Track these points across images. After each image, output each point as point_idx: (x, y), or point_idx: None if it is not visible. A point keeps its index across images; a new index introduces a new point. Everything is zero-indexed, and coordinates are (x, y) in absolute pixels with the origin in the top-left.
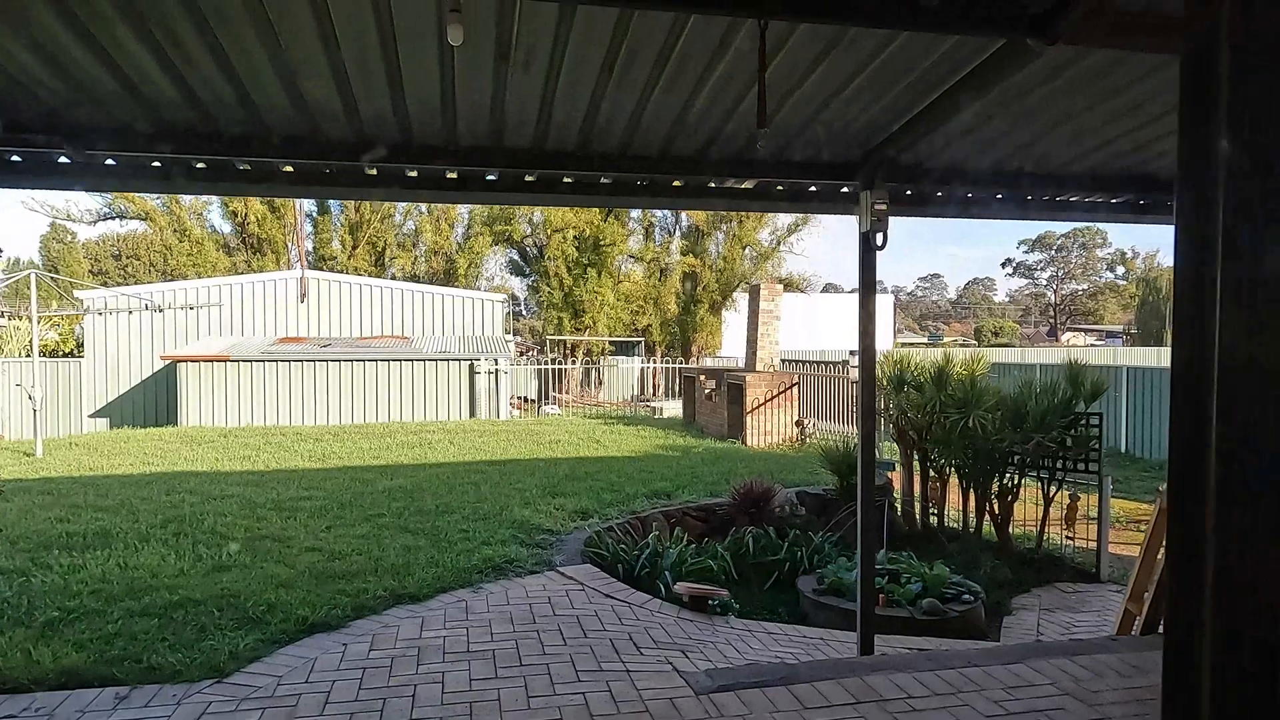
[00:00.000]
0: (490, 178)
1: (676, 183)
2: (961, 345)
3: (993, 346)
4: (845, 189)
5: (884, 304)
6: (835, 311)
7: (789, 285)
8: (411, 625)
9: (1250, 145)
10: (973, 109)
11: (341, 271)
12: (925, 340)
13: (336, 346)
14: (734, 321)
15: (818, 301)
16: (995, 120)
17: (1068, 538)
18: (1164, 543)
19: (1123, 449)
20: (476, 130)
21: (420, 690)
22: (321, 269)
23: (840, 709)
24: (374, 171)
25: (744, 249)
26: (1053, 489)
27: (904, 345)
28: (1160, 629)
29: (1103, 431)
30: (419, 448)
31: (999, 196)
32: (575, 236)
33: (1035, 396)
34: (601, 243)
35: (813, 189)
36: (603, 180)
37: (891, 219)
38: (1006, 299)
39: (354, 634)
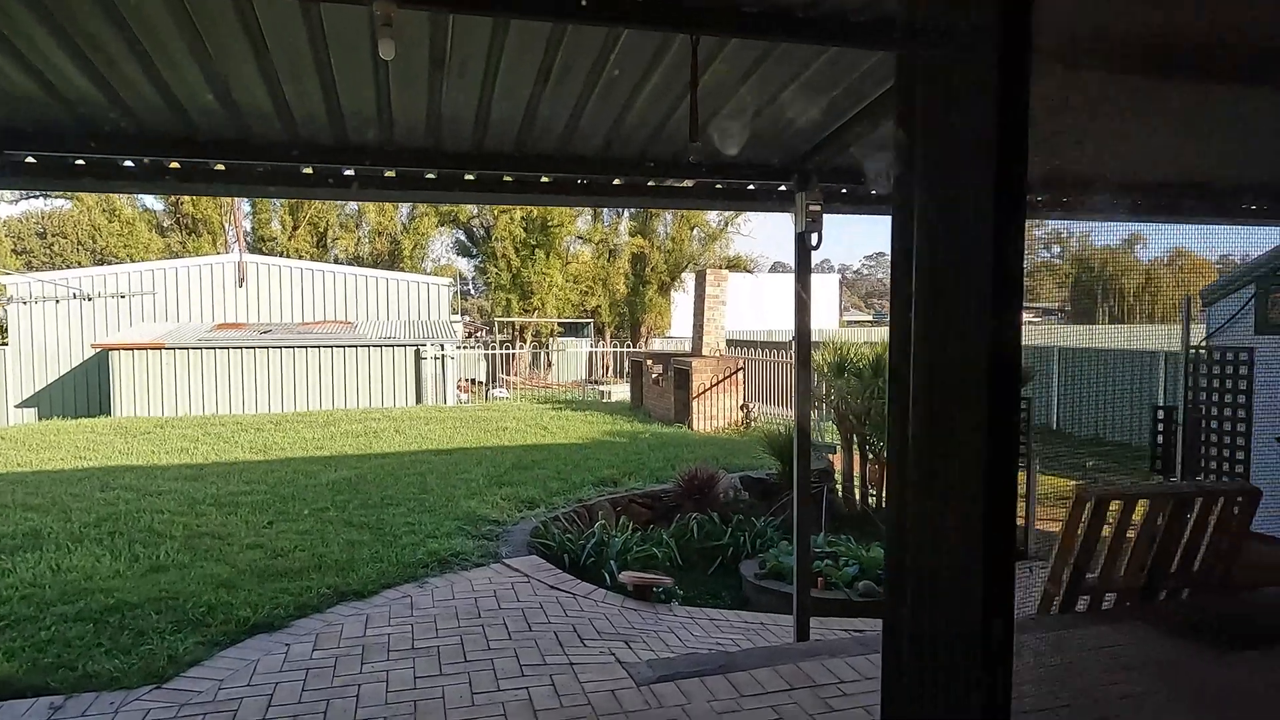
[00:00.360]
0: (430, 176)
1: (616, 181)
2: None
3: None
4: (783, 188)
5: (829, 283)
6: (782, 291)
7: (736, 266)
8: (356, 623)
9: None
10: (889, 120)
11: (282, 253)
12: (870, 318)
13: (277, 333)
14: (683, 302)
15: (765, 281)
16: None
17: None
18: (1080, 529)
19: (1054, 426)
20: (413, 132)
21: (364, 690)
22: (261, 250)
23: (775, 695)
24: (310, 171)
25: (692, 230)
26: None
27: (850, 323)
28: (1076, 607)
29: (1030, 416)
30: (364, 437)
31: None
32: (523, 217)
33: None
34: (549, 223)
35: (750, 188)
36: (543, 180)
37: (829, 215)
38: None
39: (297, 633)
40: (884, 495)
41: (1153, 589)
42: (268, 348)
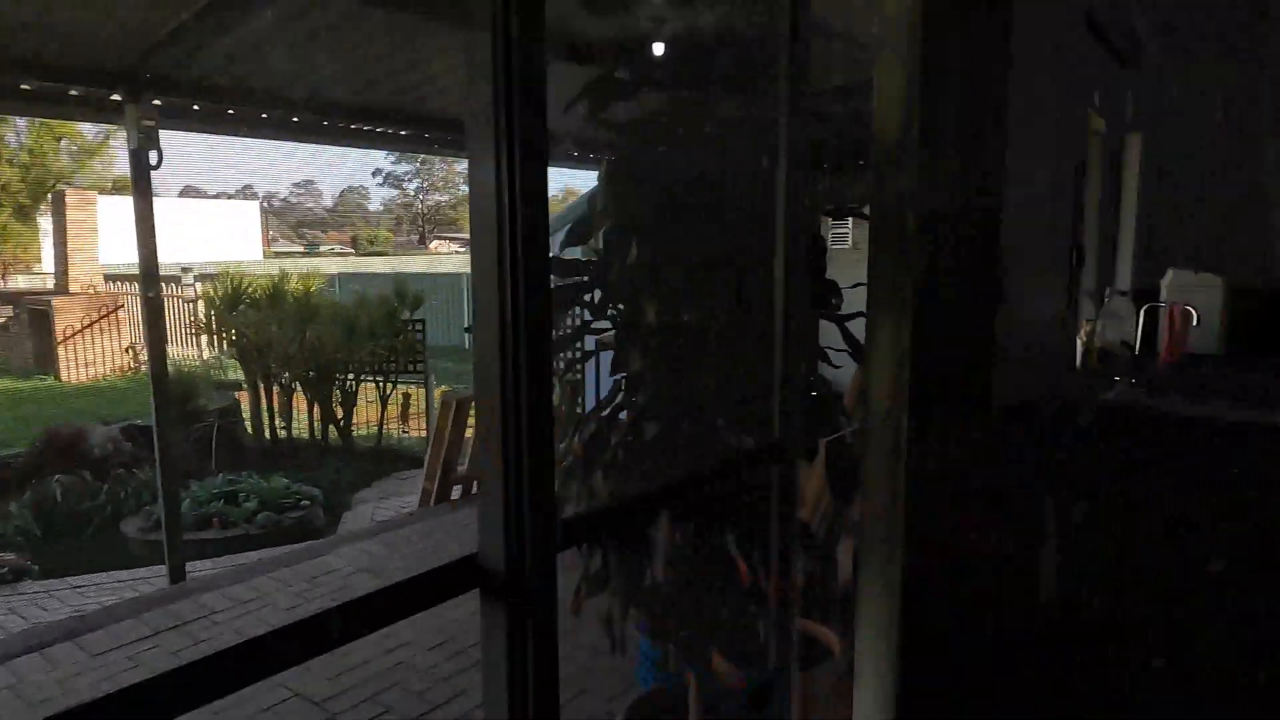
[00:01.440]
0: None
1: None
2: (339, 254)
3: (369, 255)
4: (115, 97)
5: (250, 210)
6: (192, 219)
7: (128, 187)
8: None
9: None
10: (248, 24)
11: None
12: (303, 249)
13: None
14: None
15: (170, 207)
16: (274, 41)
17: (404, 431)
18: (447, 431)
19: (466, 346)
20: None
21: None
22: None
23: (136, 645)
24: None
25: (59, 141)
26: (389, 389)
27: (279, 254)
28: (451, 497)
29: (425, 334)
30: None
31: (295, 120)
32: None
33: (368, 310)
34: None
35: (74, 93)
36: None
37: (181, 134)
38: (381, 208)
39: None
40: (293, 425)
41: None
42: None
